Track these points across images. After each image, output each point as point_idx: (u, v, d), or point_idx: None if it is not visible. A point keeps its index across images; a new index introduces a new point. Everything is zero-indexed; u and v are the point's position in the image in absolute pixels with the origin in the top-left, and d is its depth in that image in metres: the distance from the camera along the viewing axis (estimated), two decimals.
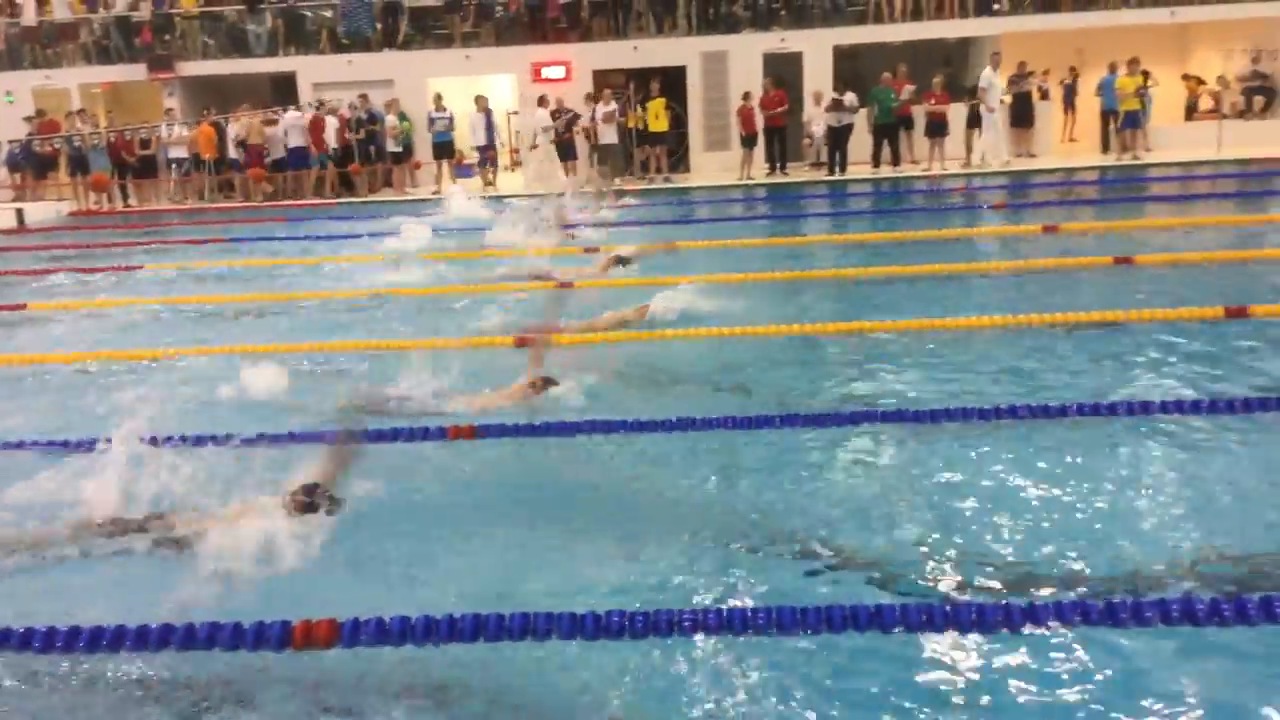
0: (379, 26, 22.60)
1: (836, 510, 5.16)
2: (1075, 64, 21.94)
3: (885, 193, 18.82)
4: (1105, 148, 20.80)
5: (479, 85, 21.97)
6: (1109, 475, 5.43)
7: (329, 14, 22.91)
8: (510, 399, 6.69)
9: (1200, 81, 22.51)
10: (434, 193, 21.03)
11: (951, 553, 4.64)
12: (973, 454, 5.75)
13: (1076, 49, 20.62)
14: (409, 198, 20.71)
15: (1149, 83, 20.48)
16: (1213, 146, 19.85)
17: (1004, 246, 12.48)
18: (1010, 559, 4.60)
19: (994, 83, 20.02)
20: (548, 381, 6.72)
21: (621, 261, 10.94)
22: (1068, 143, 22.43)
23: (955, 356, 7.70)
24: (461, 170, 21.90)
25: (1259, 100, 21.67)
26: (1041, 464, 5.59)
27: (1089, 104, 21.46)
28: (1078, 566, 4.50)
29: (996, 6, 21.67)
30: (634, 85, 21.10)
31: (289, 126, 20.77)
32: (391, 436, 6.13)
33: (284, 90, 23.02)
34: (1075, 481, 5.35)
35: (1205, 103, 22.33)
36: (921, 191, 18.72)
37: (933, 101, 20.38)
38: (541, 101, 21.02)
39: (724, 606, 4.13)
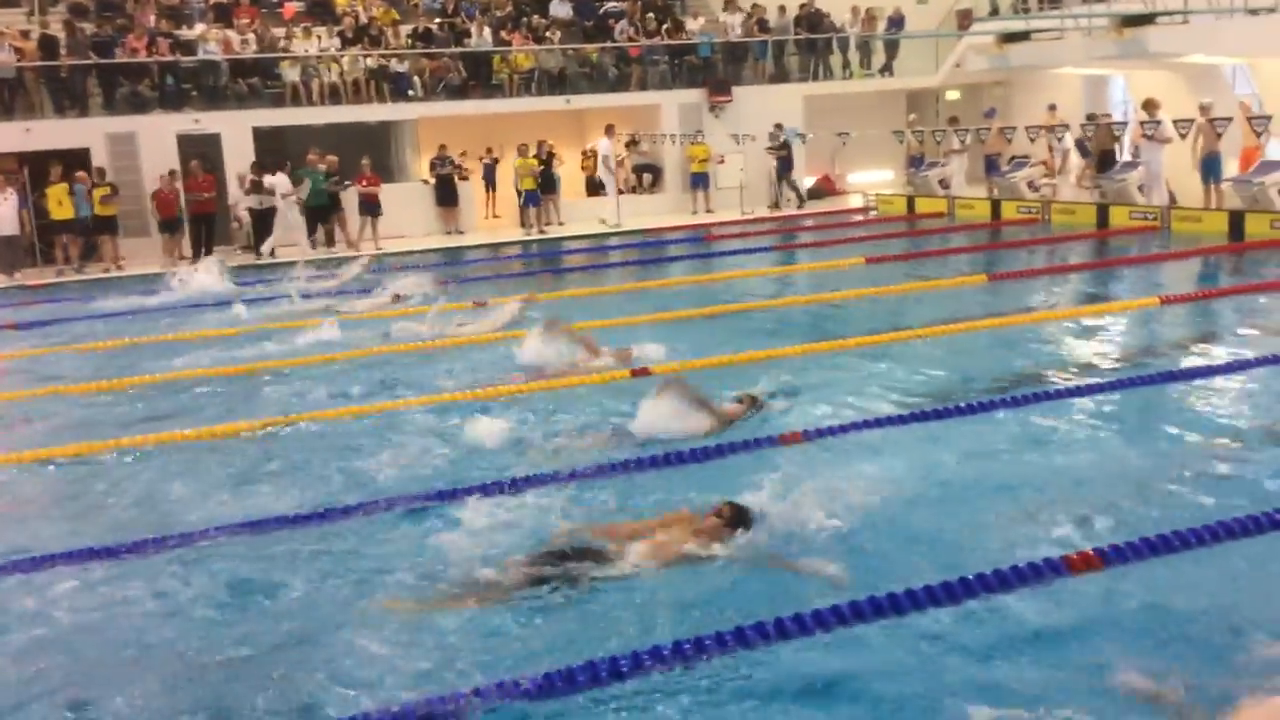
0: None
1: None
2: (491, 145, 23.44)
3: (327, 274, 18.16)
4: (523, 223, 22.42)
5: None
6: None
7: None
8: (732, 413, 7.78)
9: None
10: None
11: None
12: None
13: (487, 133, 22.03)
14: None
15: (555, 162, 22.50)
16: (613, 219, 22.21)
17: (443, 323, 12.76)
18: None
19: (609, 151, 22.00)
20: (755, 400, 7.98)
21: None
22: (491, 219, 23.84)
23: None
24: None
25: (648, 177, 24.71)
26: None
27: (507, 181, 23.01)
28: None
29: (411, 93, 22.54)
30: (29, 170, 19.09)
31: None
32: None
33: None
34: None
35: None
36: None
37: (364, 183, 20.70)
38: None
39: None
